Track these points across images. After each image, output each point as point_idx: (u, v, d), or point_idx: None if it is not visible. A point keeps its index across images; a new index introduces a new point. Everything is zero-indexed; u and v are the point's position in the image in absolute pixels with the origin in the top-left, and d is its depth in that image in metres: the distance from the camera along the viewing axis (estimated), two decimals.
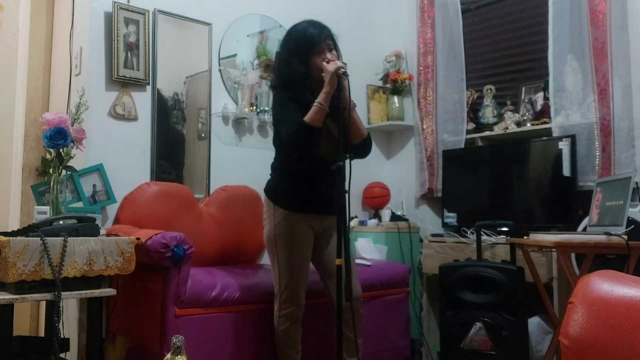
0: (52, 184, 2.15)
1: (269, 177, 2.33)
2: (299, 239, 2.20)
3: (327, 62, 2.11)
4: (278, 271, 2.20)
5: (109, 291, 1.98)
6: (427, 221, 3.59)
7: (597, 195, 2.38)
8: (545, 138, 2.96)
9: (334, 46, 2.22)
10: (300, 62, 2.16)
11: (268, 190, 2.30)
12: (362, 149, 2.28)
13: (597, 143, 2.78)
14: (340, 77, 2.06)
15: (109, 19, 2.67)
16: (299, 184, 2.21)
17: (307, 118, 2.06)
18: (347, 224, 1.96)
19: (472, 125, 3.40)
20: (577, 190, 2.80)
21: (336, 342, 1.95)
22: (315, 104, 2.06)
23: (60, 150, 2.15)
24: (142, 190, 2.63)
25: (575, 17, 2.89)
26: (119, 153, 2.66)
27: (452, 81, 3.49)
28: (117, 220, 2.60)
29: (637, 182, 2.30)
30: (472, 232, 2.99)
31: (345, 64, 2.10)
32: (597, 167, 2.77)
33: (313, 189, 2.19)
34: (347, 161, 1.98)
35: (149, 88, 2.79)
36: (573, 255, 2.43)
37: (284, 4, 3.35)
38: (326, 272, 2.29)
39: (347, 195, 1.93)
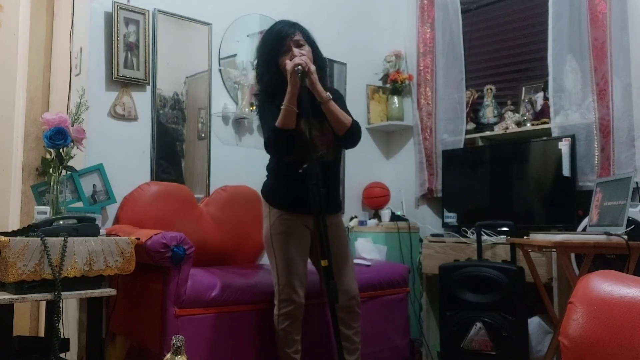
0: (52, 184, 2.15)
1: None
2: (294, 238, 2.19)
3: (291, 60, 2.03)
4: (276, 270, 2.20)
5: (109, 291, 1.98)
6: (427, 221, 3.59)
7: (597, 195, 2.37)
8: (545, 138, 2.96)
9: (306, 41, 2.14)
10: (271, 64, 2.13)
11: (264, 191, 2.32)
12: (349, 139, 2.19)
13: (595, 143, 2.78)
14: (301, 74, 1.98)
15: (109, 19, 2.67)
16: (292, 184, 2.17)
17: (277, 122, 2.03)
18: (325, 222, 1.94)
19: (472, 125, 3.40)
20: (576, 190, 2.80)
21: (335, 342, 1.96)
22: (282, 107, 2.03)
23: (60, 150, 2.16)
24: (142, 190, 2.63)
25: (575, 17, 2.89)
26: (119, 153, 2.66)
27: (452, 81, 3.49)
28: (117, 220, 2.60)
29: (637, 182, 2.30)
30: (472, 232, 2.99)
31: (304, 62, 1.98)
32: (596, 167, 2.77)
33: (305, 189, 2.12)
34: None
35: (149, 88, 2.79)
36: (573, 255, 2.43)
37: (284, 4, 3.35)
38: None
39: (328, 195, 1.92)
